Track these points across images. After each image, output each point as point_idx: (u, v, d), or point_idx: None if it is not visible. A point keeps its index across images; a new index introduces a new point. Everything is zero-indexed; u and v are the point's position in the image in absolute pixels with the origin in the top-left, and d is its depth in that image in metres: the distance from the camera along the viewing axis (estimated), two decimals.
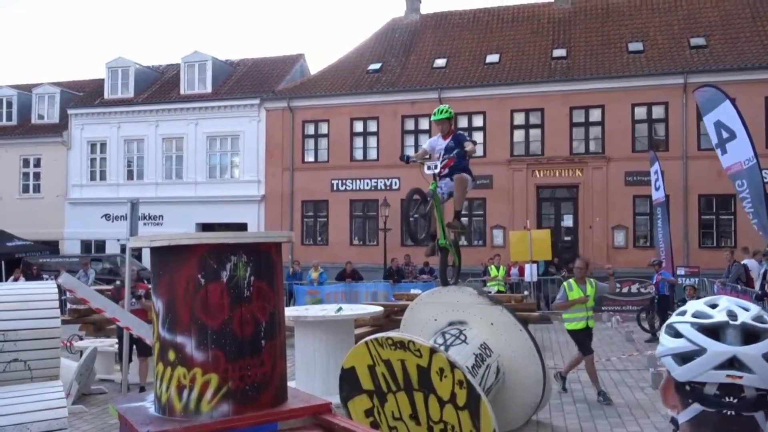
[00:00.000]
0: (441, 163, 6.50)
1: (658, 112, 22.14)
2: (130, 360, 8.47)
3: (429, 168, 6.48)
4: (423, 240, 6.62)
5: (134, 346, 8.33)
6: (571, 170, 22.72)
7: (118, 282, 13.69)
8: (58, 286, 6.50)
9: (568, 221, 23.03)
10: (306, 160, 25.66)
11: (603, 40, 24.28)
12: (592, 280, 8.49)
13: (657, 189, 17.89)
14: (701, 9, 24.37)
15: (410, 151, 6.90)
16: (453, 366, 4.72)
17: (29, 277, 19.81)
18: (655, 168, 17.88)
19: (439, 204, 6.55)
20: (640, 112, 22.29)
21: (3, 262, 23.93)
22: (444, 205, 6.81)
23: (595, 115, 22.74)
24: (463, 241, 24.00)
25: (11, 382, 5.27)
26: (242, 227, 25.54)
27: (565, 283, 8.65)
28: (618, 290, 17.20)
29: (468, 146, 6.50)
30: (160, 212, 26.59)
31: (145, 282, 13.79)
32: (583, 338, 8.31)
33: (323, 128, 25.54)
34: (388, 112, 24.55)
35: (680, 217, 20.82)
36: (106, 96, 28.51)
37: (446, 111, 6.72)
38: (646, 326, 14.20)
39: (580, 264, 8.67)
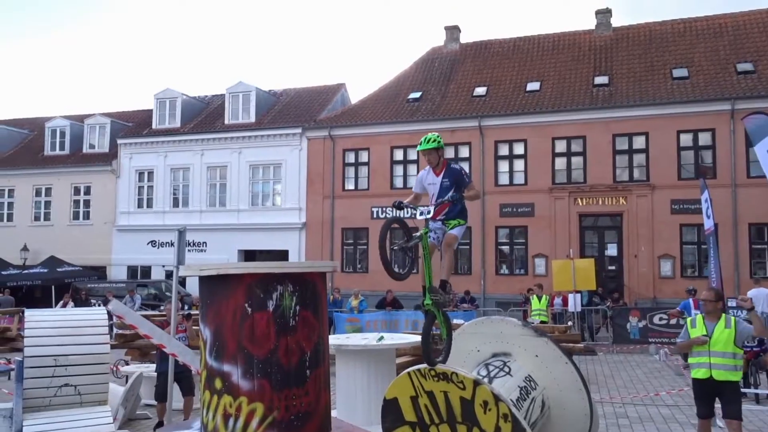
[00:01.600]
0: (435, 207, 5.62)
1: (704, 138, 21.70)
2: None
3: (422, 213, 5.54)
4: (402, 276, 5.45)
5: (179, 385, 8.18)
6: (615, 198, 22.36)
7: (162, 307, 13.95)
8: (108, 312, 6.64)
9: (612, 250, 22.59)
10: (346, 187, 25.87)
11: (646, 67, 24.02)
12: (732, 318, 6.55)
13: (708, 217, 17.43)
14: (748, 34, 23.95)
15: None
16: (497, 399, 4.65)
17: (78, 302, 20.30)
18: (705, 196, 17.41)
19: (428, 254, 5.53)
20: (686, 139, 21.88)
21: (53, 287, 24.62)
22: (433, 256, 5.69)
23: (639, 142, 22.41)
24: (504, 270, 23.97)
25: (62, 407, 5.39)
26: (284, 254, 25.79)
27: (689, 319, 7.03)
28: (666, 321, 16.74)
29: (470, 192, 5.73)
30: (204, 239, 27.06)
31: (186, 308, 13.92)
32: (702, 393, 6.44)
33: (363, 156, 25.75)
34: None
35: (730, 246, 20.22)
36: (154, 126, 29.37)
37: (434, 140, 5.74)
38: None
39: (707, 295, 6.71)
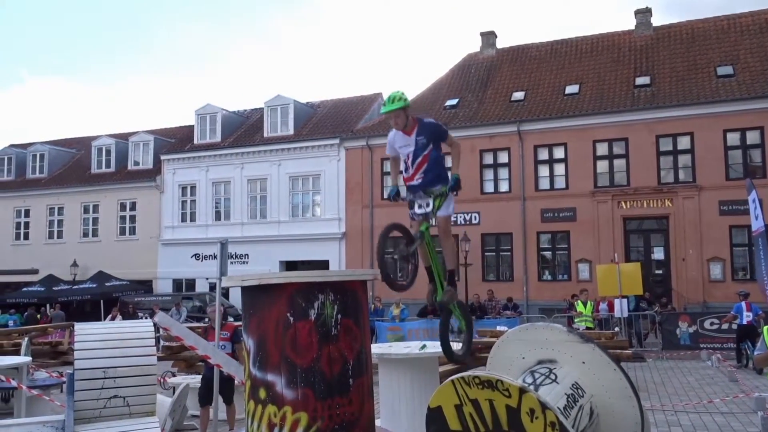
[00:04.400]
0: (413, 166, 5.18)
1: (752, 137, 21.07)
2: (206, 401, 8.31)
3: (420, 207, 5.20)
4: (405, 286, 5.23)
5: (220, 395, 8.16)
6: (660, 200, 21.85)
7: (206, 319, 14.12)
8: (154, 325, 6.75)
9: (658, 254, 22.06)
10: (385, 197, 25.88)
11: (689, 66, 23.48)
12: None
13: (756, 218, 16.88)
14: None
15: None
16: (544, 407, 4.54)
17: (126, 316, 20.77)
18: (752, 196, 16.89)
19: (432, 247, 5.26)
20: (733, 138, 21.28)
21: (102, 302, 25.25)
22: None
23: (683, 142, 21.88)
24: (546, 276, 23.62)
25: (111, 418, 5.48)
26: (324, 265, 25.91)
27: (765, 328, 6.54)
28: (717, 326, 16.23)
29: (453, 149, 5.21)
30: (246, 251, 27.39)
31: (232, 320, 14.08)
32: None
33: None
34: (465, 147, 24.45)
35: None
36: (195, 141, 29.94)
37: (400, 98, 5.04)
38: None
39: None
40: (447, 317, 5.42)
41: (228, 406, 8.37)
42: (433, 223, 5.26)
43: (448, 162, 5.53)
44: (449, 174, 5.20)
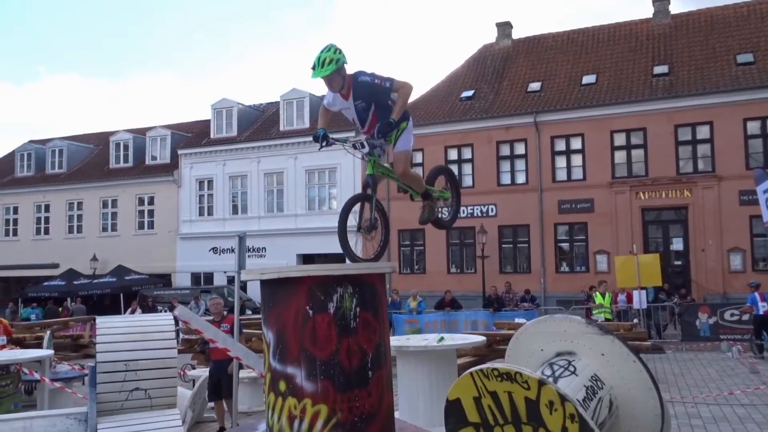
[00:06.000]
0: (364, 126, 4.57)
1: None
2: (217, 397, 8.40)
3: (355, 147, 4.53)
4: (374, 258, 4.59)
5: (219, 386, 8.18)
6: (679, 191, 21.62)
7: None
8: (174, 318, 6.82)
9: (677, 245, 21.85)
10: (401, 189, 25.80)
11: (708, 54, 23.15)
12: None
13: (767, 209, 16.60)
14: None
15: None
16: (564, 399, 4.53)
17: (145, 309, 20.98)
18: (763, 187, 16.57)
19: (388, 170, 4.83)
20: (753, 127, 20.98)
21: (122, 295, 25.53)
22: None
23: (702, 132, 21.61)
24: (564, 267, 23.48)
25: (133, 410, 5.56)
26: (341, 258, 25.89)
27: None
28: (737, 317, 16.07)
29: (400, 91, 4.33)
30: (263, 245, 27.53)
31: (250, 312, 14.15)
32: None
33: (417, 157, 25.68)
34: (482, 139, 24.41)
35: None
36: (212, 136, 30.10)
37: (330, 60, 4.16)
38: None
39: None
40: (432, 205, 5.10)
41: (226, 400, 8.23)
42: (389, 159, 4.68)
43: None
44: (402, 113, 4.43)
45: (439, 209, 5.20)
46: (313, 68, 4.20)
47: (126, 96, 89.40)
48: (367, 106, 4.41)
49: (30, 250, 32.77)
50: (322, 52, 4.18)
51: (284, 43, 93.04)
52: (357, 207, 4.55)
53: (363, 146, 4.44)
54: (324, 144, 4.49)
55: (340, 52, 4.21)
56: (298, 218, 27.62)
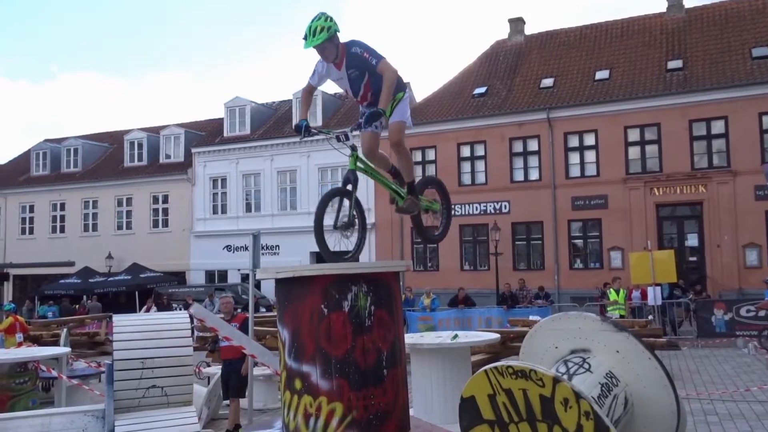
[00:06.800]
0: (357, 96, 4.53)
1: None
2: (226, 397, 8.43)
3: (339, 139, 4.43)
4: (351, 257, 4.20)
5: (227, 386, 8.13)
6: (694, 186, 21.44)
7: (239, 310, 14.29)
8: (190, 316, 6.88)
9: (692, 240, 21.68)
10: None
11: (723, 48, 22.92)
12: None
13: None
14: None
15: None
16: (578, 396, 4.52)
17: (160, 307, 21.12)
18: None
19: (372, 170, 4.67)
20: None
21: (137, 293, 25.72)
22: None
23: (717, 127, 21.42)
24: (578, 264, 23.39)
25: (149, 408, 5.61)
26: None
27: None
28: (753, 313, 15.93)
29: (386, 74, 4.22)
30: (277, 242, 27.63)
31: (264, 310, 14.15)
32: None
33: (430, 154, 25.67)
34: (495, 136, 24.33)
35: None
36: (225, 134, 30.22)
37: (323, 28, 4.10)
38: None
39: None
40: (418, 215, 4.86)
41: (233, 400, 8.11)
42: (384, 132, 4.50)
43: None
44: (396, 86, 4.38)
45: (423, 212, 4.95)
46: (305, 38, 4.14)
47: (140, 95, 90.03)
48: (361, 74, 4.34)
49: (46, 249, 33.10)
50: (313, 20, 4.13)
51: (296, 41, 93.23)
52: (336, 201, 4.32)
53: (347, 138, 4.37)
54: (306, 135, 4.40)
55: (332, 19, 4.16)
56: (312, 216, 27.56)
